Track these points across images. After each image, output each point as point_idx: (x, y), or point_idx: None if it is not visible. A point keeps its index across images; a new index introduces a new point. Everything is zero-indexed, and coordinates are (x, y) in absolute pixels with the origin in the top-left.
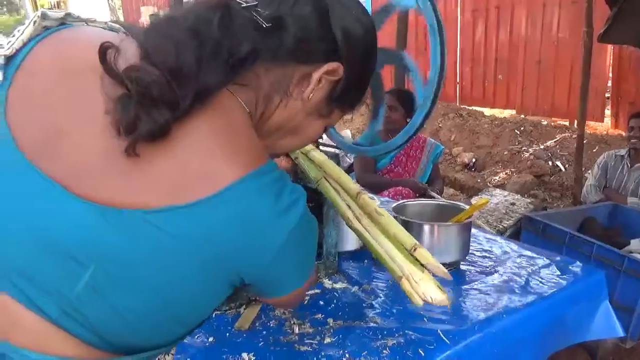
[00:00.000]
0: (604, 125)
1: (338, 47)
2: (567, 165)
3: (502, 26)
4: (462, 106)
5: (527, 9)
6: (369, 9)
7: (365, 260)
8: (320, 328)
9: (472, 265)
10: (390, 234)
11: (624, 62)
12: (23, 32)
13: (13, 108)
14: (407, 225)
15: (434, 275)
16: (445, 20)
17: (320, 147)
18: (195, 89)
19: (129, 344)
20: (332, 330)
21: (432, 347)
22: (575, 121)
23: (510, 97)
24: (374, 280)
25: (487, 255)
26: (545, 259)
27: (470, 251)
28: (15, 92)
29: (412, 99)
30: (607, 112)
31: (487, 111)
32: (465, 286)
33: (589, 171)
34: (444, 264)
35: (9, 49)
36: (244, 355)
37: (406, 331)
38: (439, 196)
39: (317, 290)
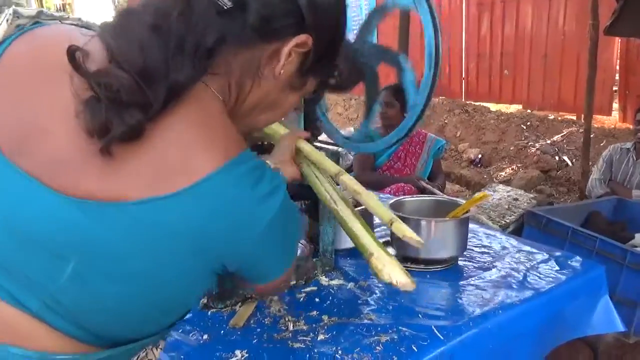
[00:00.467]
0: (612, 119)
1: (304, 18)
2: (574, 160)
3: (507, 20)
4: (467, 102)
5: (533, 3)
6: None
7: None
8: (314, 325)
9: (471, 261)
10: (369, 208)
11: (632, 55)
12: None
13: None
14: (403, 221)
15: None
16: (450, 14)
17: (318, 144)
18: (166, 87)
19: (112, 335)
20: (326, 327)
21: (426, 343)
22: (582, 115)
23: (517, 92)
24: (371, 277)
25: (486, 250)
26: (544, 254)
27: (469, 247)
28: None
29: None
30: (615, 105)
31: (493, 106)
32: (463, 282)
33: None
34: (441, 260)
35: None
36: (237, 352)
37: (400, 327)
38: (439, 192)
39: (313, 288)
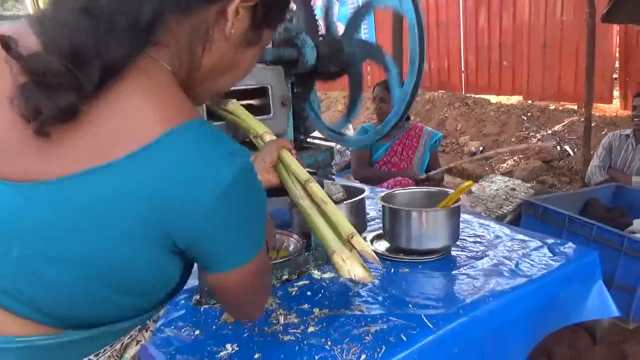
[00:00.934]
0: (613, 107)
1: None
2: (575, 149)
3: (505, 11)
4: (467, 95)
5: None
6: None
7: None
8: (305, 318)
9: (463, 251)
10: (333, 221)
11: (631, 42)
12: None
13: None
14: (393, 212)
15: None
16: (447, 7)
17: (311, 140)
18: (100, 67)
19: (74, 318)
20: (316, 320)
21: (415, 332)
22: (583, 104)
23: (516, 83)
24: None
25: (479, 240)
26: (537, 241)
27: (462, 237)
28: None
29: None
30: (616, 93)
31: (494, 98)
32: (455, 271)
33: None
34: (433, 250)
35: None
36: (228, 346)
37: (390, 318)
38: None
39: (306, 282)
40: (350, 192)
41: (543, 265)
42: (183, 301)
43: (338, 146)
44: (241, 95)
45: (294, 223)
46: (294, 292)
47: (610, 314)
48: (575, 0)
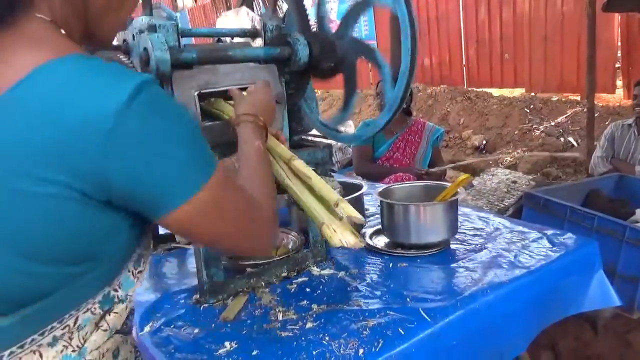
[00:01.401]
0: (617, 97)
1: None
2: (579, 140)
3: (505, 4)
4: (469, 89)
5: None
6: None
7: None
8: (303, 314)
9: (462, 244)
10: (317, 191)
11: (633, 31)
12: None
13: None
14: (391, 207)
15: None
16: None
17: (311, 137)
18: None
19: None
20: (314, 315)
21: (413, 325)
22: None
23: (518, 76)
24: (363, 265)
25: (478, 233)
26: (537, 232)
27: (461, 230)
28: None
29: None
30: (619, 83)
31: (496, 92)
32: (453, 265)
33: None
34: (432, 244)
35: None
36: (227, 344)
37: (388, 312)
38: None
39: (305, 278)
40: (349, 188)
41: (542, 257)
42: (183, 300)
43: (340, 143)
44: None
45: (292, 220)
46: (292, 289)
47: (612, 303)
48: None
